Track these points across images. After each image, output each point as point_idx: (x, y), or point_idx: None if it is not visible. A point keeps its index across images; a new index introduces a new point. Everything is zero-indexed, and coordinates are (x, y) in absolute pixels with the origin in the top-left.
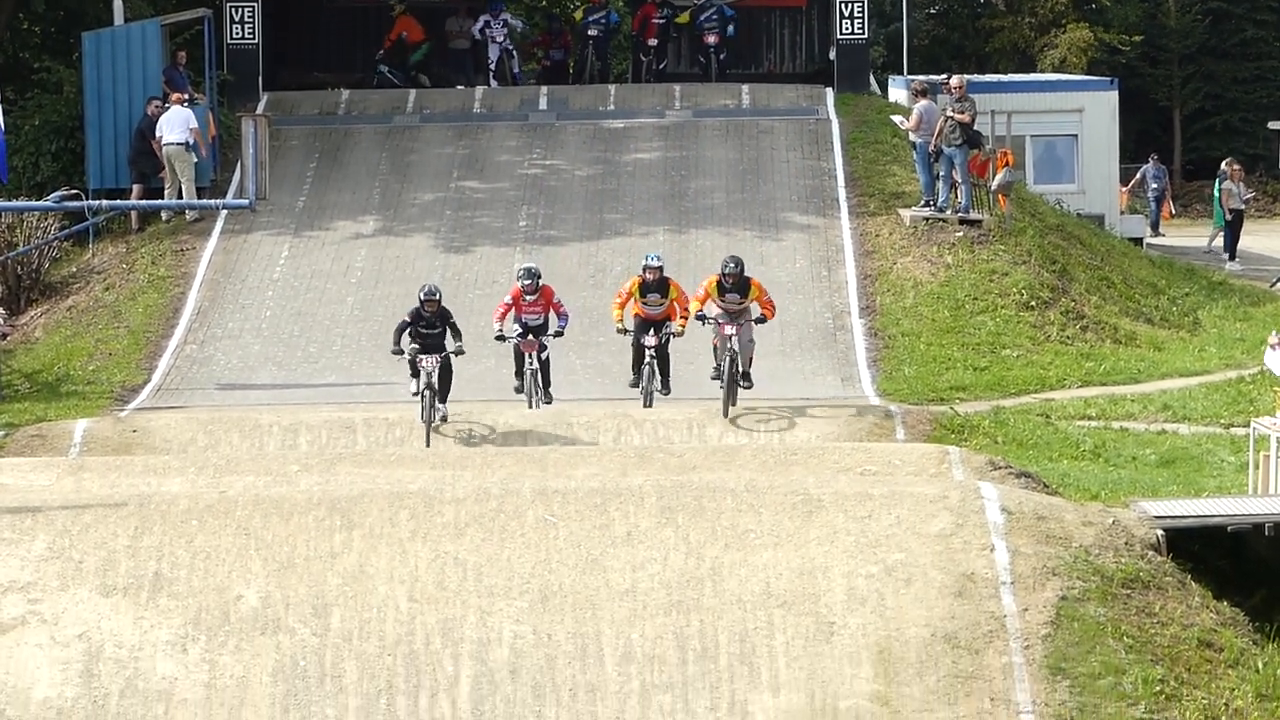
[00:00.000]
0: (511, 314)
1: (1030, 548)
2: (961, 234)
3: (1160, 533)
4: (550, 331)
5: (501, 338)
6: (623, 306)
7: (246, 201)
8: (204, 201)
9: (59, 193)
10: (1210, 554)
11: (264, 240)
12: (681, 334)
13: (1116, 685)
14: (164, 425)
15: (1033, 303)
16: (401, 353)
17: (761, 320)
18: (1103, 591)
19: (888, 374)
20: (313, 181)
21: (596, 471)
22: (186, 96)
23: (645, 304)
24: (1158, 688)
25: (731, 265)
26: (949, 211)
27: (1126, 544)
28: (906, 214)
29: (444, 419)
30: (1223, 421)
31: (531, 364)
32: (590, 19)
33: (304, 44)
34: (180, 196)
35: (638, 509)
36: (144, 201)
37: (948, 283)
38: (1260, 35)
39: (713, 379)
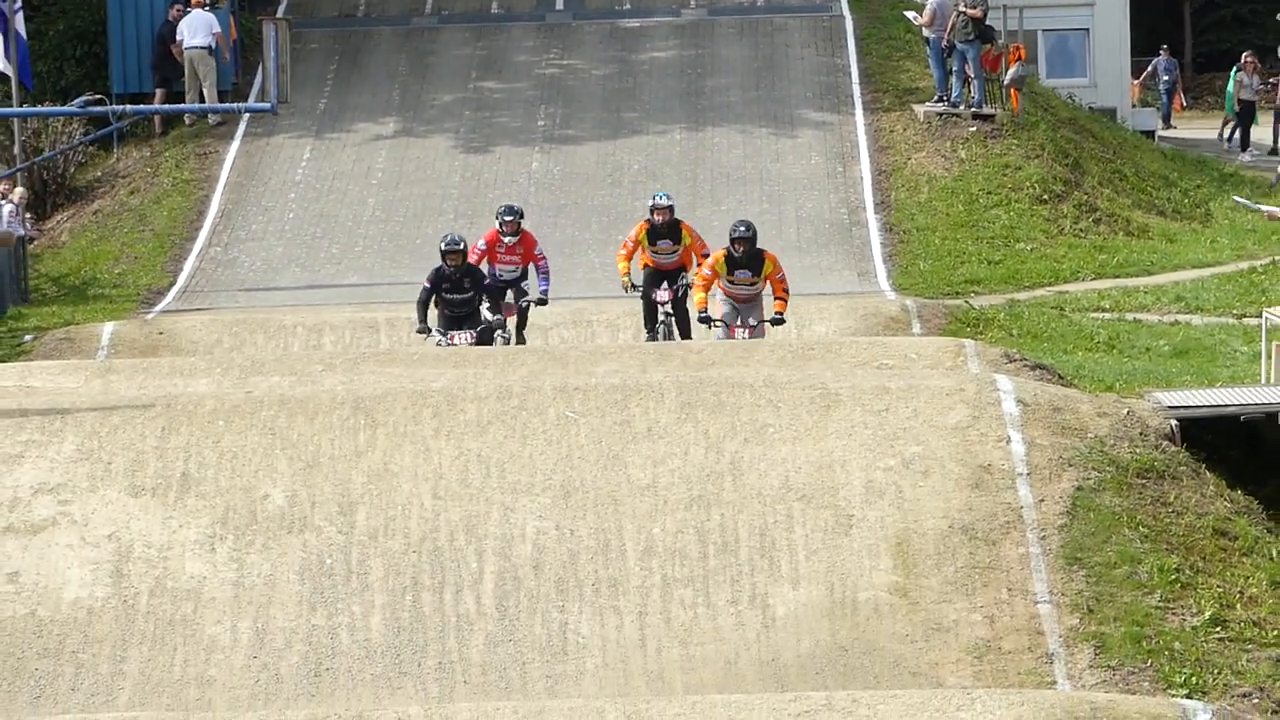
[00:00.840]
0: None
1: (1046, 439)
2: (975, 129)
3: (1174, 423)
4: (533, 297)
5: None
6: (629, 258)
7: (268, 105)
8: (226, 105)
9: (83, 98)
10: (1224, 444)
11: (286, 143)
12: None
13: (1132, 574)
14: (190, 327)
15: (1046, 196)
16: (428, 332)
17: (778, 321)
18: (1118, 482)
19: (903, 269)
20: (333, 84)
21: (617, 368)
22: (207, 0)
23: (655, 252)
24: (1173, 576)
25: (742, 229)
26: (962, 107)
27: (1141, 434)
28: (920, 109)
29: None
30: (1235, 312)
31: (504, 333)
32: None
33: None
34: (202, 100)
35: (658, 405)
36: (167, 106)
37: (962, 177)
38: None
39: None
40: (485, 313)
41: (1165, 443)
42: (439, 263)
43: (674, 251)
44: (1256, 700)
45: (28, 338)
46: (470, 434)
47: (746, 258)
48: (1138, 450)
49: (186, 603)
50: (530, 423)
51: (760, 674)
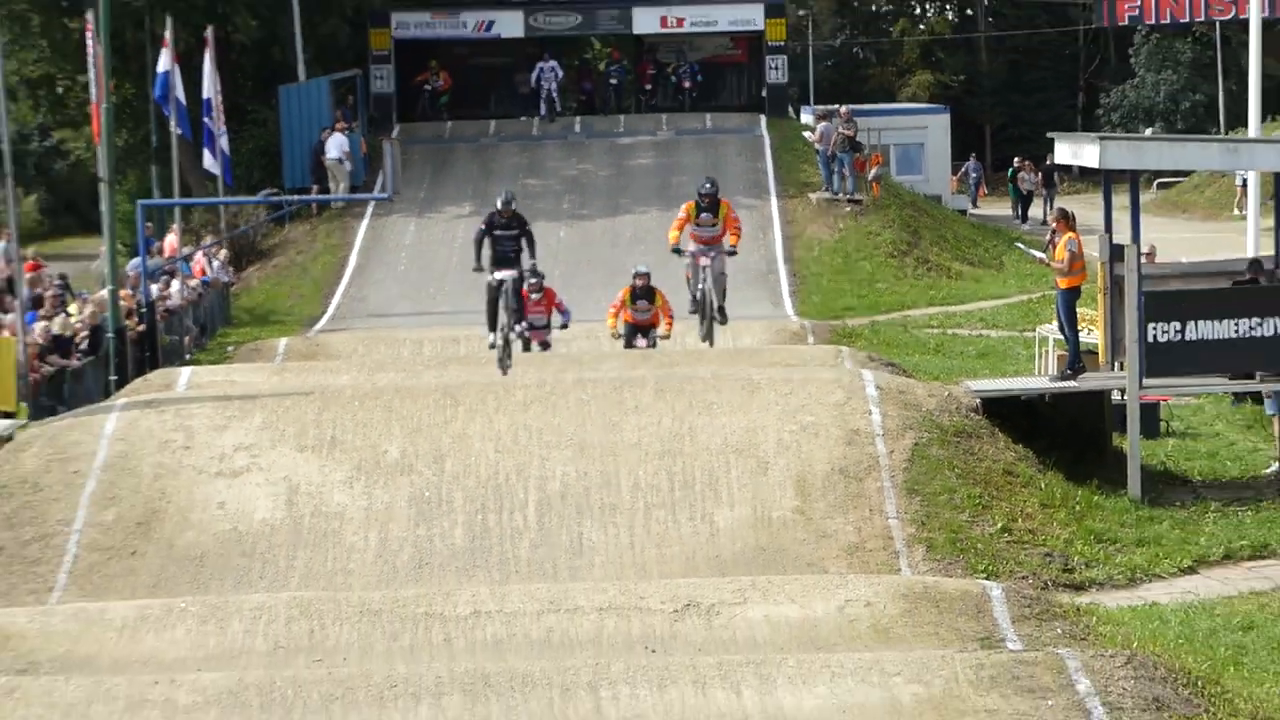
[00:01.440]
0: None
1: (895, 411)
2: (849, 209)
3: (978, 400)
4: (557, 324)
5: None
6: (617, 314)
7: (386, 195)
8: (358, 196)
9: (265, 191)
10: (1011, 414)
11: (398, 221)
12: (668, 337)
13: (950, 499)
14: (336, 341)
15: (895, 253)
16: (481, 270)
17: (732, 253)
18: (941, 439)
19: (802, 301)
20: (429, 182)
21: (615, 367)
22: (347, 126)
23: (635, 310)
24: (977, 501)
25: (708, 186)
26: (841, 195)
27: (956, 408)
28: (813, 197)
29: (521, 337)
30: (1019, 328)
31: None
32: (611, 70)
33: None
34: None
35: (641, 390)
36: (319, 196)
37: (840, 241)
38: (1042, 75)
39: (690, 313)
40: (525, 260)
41: (972, 414)
42: (493, 210)
43: (649, 310)
44: (1030, 580)
45: (230, 349)
46: (519, 410)
47: (709, 204)
48: (954, 418)
49: (335, 521)
50: (559, 402)
51: (709, 566)
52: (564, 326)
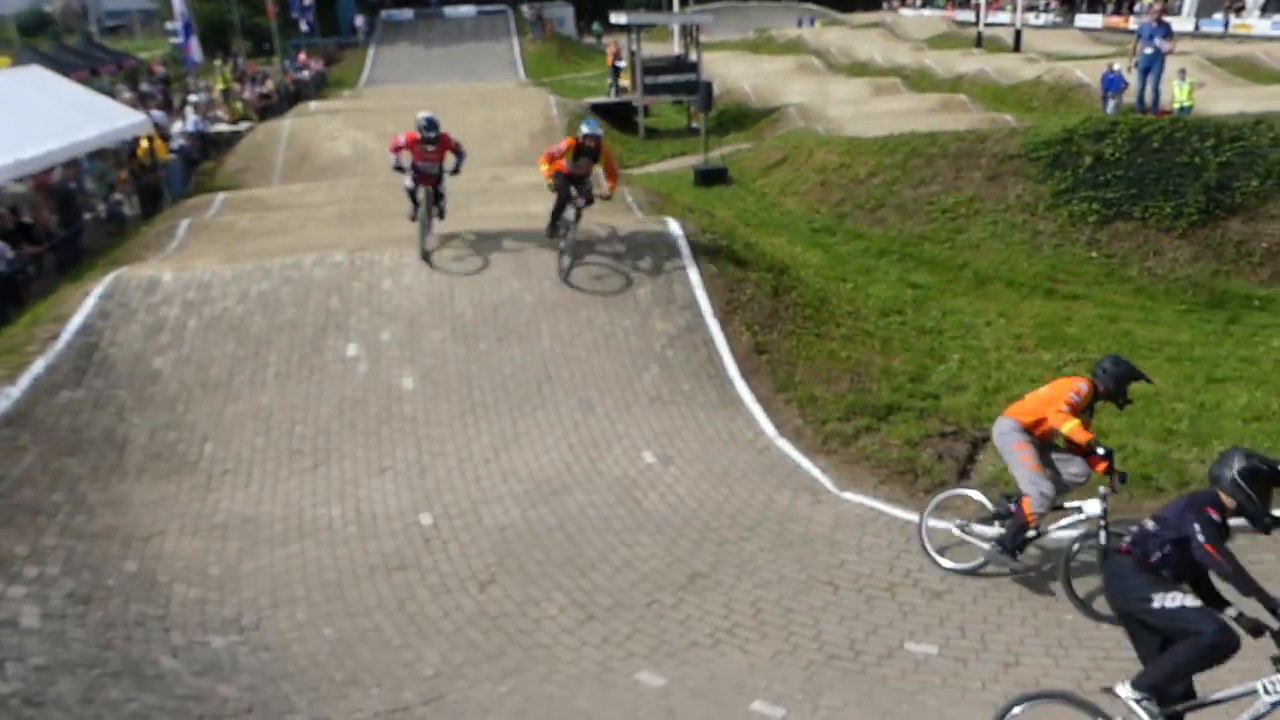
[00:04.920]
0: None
1: (559, 110)
2: (539, 42)
3: (590, 104)
4: (448, 166)
5: (399, 169)
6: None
7: (376, 38)
8: (367, 39)
9: (333, 39)
10: (600, 110)
11: (385, 49)
12: (609, 197)
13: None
14: (367, 91)
15: (555, 56)
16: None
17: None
18: (578, 117)
19: (527, 73)
20: (392, 35)
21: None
22: (363, 14)
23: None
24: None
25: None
26: (538, 37)
27: (585, 108)
28: (529, 37)
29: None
30: (604, 79)
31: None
32: None
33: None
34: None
35: (472, 102)
36: (353, 39)
37: (536, 52)
38: None
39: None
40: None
41: (589, 111)
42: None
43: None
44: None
45: (328, 96)
46: (444, 108)
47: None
48: (581, 111)
49: (370, 154)
50: (465, 107)
51: (509, 162)
52: (455, 171)
